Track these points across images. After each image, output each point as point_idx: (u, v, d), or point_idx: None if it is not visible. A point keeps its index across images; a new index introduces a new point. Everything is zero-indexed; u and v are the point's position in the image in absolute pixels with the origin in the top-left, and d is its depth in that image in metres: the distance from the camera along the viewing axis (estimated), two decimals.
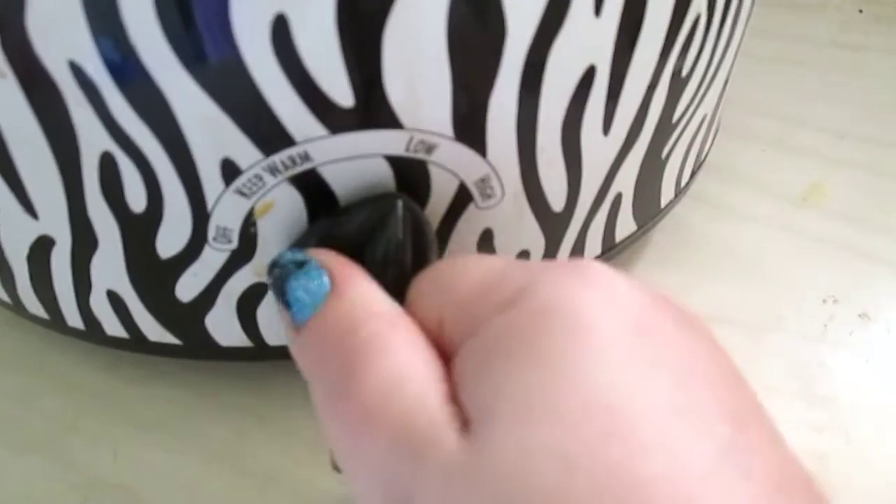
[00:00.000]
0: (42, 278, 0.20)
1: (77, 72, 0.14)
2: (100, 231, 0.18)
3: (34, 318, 0.22)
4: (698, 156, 0.25)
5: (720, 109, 0.25)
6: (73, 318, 0.21)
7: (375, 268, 0.17)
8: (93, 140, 0.16)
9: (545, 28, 0.16)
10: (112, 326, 0.21)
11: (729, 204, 0.29)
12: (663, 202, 0.24)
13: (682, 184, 0.25)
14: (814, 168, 0.31)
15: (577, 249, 0.22)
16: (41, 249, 0.19)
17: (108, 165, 0.16)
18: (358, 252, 0.17)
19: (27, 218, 0.18)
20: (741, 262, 0.27)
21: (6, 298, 0.22)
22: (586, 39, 0.17)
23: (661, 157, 0.22)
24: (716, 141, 0.27)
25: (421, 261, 0.18)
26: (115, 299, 0.20)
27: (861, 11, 0.38)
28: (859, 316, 0.25)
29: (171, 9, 0.13)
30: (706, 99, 0.22)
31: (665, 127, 0.21)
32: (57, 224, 0.18)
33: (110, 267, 0.19)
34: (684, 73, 0.20)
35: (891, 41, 0.37)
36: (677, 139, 0.22)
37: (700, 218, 0.28)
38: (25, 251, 0.19)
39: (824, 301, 0.26)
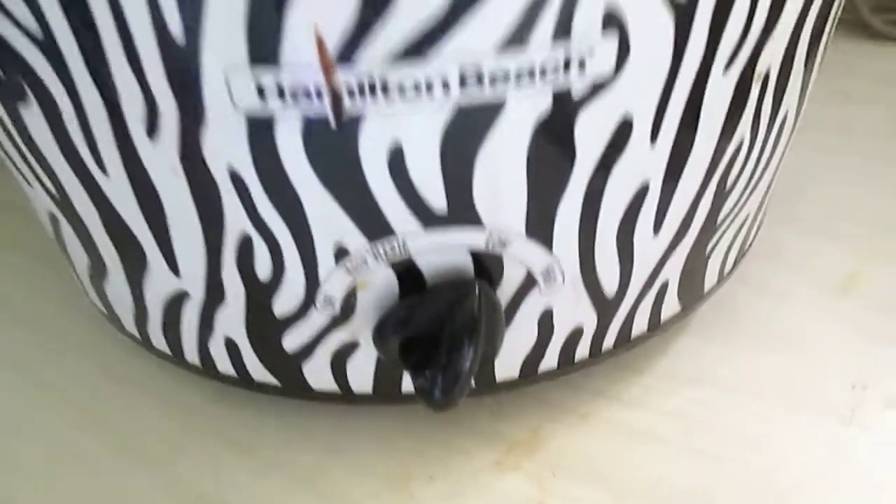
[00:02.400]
0: (172, 323, 0.24)
1: (234, 175, 0.18)
2: (229, 292, 0.22)
3: (158, 353, 0.27)
4: (742, 247, 0.28)
5: (765, 207, 0.28)
6: (192, 357, 0.25)
7: (454, 338, 0.20)
8: (236, 224, 0.20)
9: (608, 156, 0.19)
10: (224, 366, 0.25)
11: (770, 285, 0.32)
12: (707, 287, 0.27)
13: (726, 272, 0.28)
14: (853, 257, 0.33)
15: (626, 327, 0.25)
16: (177, 301, 0.23)
17: (245, 244, 0.20)
18: (439, 324, 0.21)
19: (171, 275, 0.22)
20: (778, 342, 0.30)
21: (136, 334, 0.27)
22: (642, 164, 0.20)
23: (705, 253, 0.25)
24: (762, 226, 0.29)
25: (492, 333, 0.21)
26: (230, 345, 0.24)
27: None
28: (885, 405, 0.27)
29: (315, 140, 0.17)
30: (749, 202, 0.25)
31: (709, 228, 0.24)
32: (194, 283, 0.22)
33: (232, 320, 0.23)
34: (728, 186, 0.23)
35: None
36: (721, 236, 0.25)
37: (742, 296, 0.31)
38: (163, 301, 0.24)
39: (853, 387, 0.28)
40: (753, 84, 0.20)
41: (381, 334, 0.22)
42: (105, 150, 0.19)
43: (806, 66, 0.22)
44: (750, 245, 0.29)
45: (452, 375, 0.20)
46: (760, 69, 0.20)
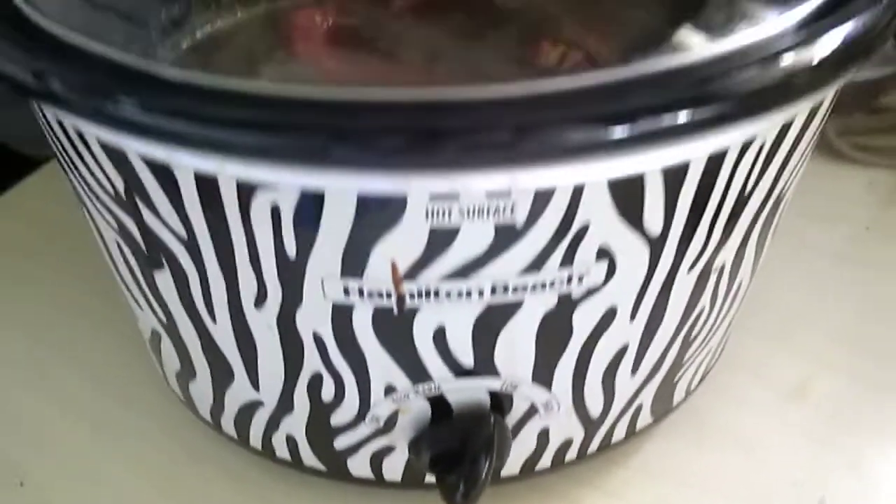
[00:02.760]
0: (244, 420, 0.30)
1: (316, 336, 0.25)
2: (297, 407, 0.28)
3: (226, 436, 0.33)
4: (706, 370, 0.34)
5: (725, 339, 0.34)
6: (256, 443, 0.32)
7: (474, 454, 0.26)
8: (311, 365, 0.26)
9: (597, 331, 0.25)
10: (282, 453, 0.31)
11: (731, 390, 0.38)
12: (675, 402, 0.34)
13: (692, 389, 0.34)
14: (804, 365, 0.39)
15: (607, 436, 0.32)
16: (252, 406, 0.29)
17: (315, 378, 0.26)
18: (462, 443, 0.27)
19: (252, 390, 0.28)
20: (734, 443, 0.36)
21: (208, 420, 0.33)
22: (623, 334, 0.26)
23: (673, 381, 0.31)
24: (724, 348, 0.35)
25: (502, 450, 0.28)
26: (290, 439, 0.30)
27: (868, 228, 0.47)
28: (818, 501, 0.33)
29: (380, 320, 0.23)
30: (711, 342, 0.32)
31: (677, 365, 0.30)
32: (270, 398, 0.28)
33: (295, 424, 0.29)
34: (692, 338, 0.29)
35: (891, 258, 0.45)
36: (686, 369, 0.31)
37: (707, 401, 0.37)
38: (240, 404, 0.30)
39: (793, 484, 0.34)
40: (712, 275, 0.27)
41: (415, 448, 0.28)
42: (218, 309, 0.25)
43: (757, 251, 0.29)
44: (713, 365, 0.35)
45: (472, 482, 0.26)
46: (717, 265, 0.26)
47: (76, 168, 0.24)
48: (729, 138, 0.21)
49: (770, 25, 0.21)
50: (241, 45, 0.35)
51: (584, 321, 0.25)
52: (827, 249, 0.46)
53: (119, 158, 0.22)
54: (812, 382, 0.39)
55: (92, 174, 0.24)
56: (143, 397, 0.36)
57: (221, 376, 0.29)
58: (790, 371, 0.39)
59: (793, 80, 0.20)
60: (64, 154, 0.25)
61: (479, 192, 0.20)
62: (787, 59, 0.20)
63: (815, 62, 0.20)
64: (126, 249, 0.26)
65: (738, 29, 0.28)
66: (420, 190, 0.19)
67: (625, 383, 0.29)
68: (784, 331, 0.41)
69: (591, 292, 0.24)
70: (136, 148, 0.21)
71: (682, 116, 0.18)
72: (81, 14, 0.28)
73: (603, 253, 0.23)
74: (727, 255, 0.26)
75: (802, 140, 0.25)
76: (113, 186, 0.23)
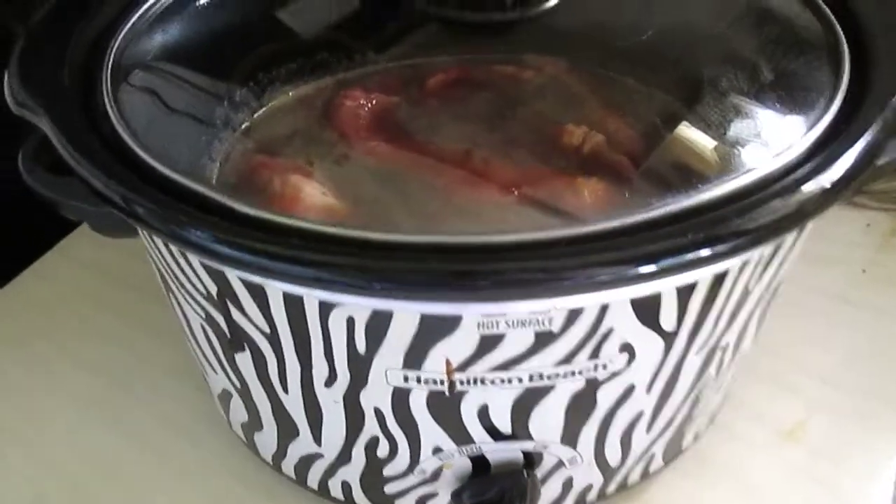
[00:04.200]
0: (303, 467, 0.35)
1: (377, 410, 0.29)
2: (354, 460, 0.32)
3: (287, 477, 0.37)
4: (711, 418, 0.38)
5: (728, 391, 0.38)
6: (313, 485, 0.36)
7: (510, 501, 0.31)
8: (370, 431, 0.30)
9: (618, 403, 0.29)
10: (337, 494, 0.35)
11: (733, 429, 0.42)
12: (684, 447, 0.38)
13: (699, 434, 0.38)
14: (800, 406, 0.43)
15: (623, 481, 0.36)
16: (313, 457, 0.34)
17: (373, 440, 0.31)
18: (500, 494, 0.31)
19: (314, 445, 0.33)
20: (740, 481, 0.40)
21: (269, 462, 0.37)
22: (639, 404, 0.30)
23: (682, 432, 0.35)
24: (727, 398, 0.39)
25: (533, 496, 0.32)
26: (345, 485, 0.34)
27: (864, 271, 0.50)
28: None
29: (433, 400, 0.28)
30: (716, 397, 0.36)
31: (687, 421, 0.34)
32: (330, 452, 0.32)
33: (350, 473, 0.33)
34: (699, 398, 0.33)
35: (886, 301, 0.49)
36: (694, 421, 0.35)
37: (713, 441, 0.41)
38: (301, 454, 0.34)
39: None
40: (717, 352, 0.30)
41: (457, 497, 0.32)
42: (291, 385, 0.29)
43: (758, 326, 0.32)
44: (718, 412, 0.39)
45: None
46: (722, 344, 0.30)
47: (168, 266, 0.28)
48: (734, 261, 0.25)
49: (774, 156, 0.25)
50: (294, 126, 0.38)
51: (606, 397, 0.29)
52: (824, 292, 0.49)
53: (215, 272, 0.26)
54: (808, 422, 0.42)
55: (185, 276, 0.28)
56: (209, 439, 0.40)
57: (287, 433, 0.33)
58: (788, 412, 0.43)
59: (803, 208, 0.24)
60: (155, 250, 0.29)
61: (523, 312, 0.24)
62: (799, 192, 0.23)
63: (826, 187, 0.24)
64: (210, 332, 0.30)
65: (741, 136, 0.31)
66: (473, 312, 0.23)
67: (640, 439, 0.33)
68: (782, 372, 0.45)
69: (613, 376, 0.28)
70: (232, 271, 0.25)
71: (701, 254, 0.22)
72: (161, 119, 0.32)
73: (625, 347, 0.27)
74: (731, 337, 0.30)
75: (799, 241, 0.29)
76: (206, 288, 0.27)
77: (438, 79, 0.40)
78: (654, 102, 0.38)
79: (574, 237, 0.22)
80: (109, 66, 0.30)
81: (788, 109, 0.31)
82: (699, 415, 0.35)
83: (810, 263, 0.50)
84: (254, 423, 0.34)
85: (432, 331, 0.25)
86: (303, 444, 0.33)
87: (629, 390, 0.29)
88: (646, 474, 0.36)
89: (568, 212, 0.33)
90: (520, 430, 0.29)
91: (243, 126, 0.38)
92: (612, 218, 0.23)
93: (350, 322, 0.25)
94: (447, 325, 0.24)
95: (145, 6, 0.34)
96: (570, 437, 0.30)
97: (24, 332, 0.47)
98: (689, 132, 0.35)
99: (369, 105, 0.39)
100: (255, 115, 0.39)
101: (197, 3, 0.37)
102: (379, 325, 0.25)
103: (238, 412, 0.35)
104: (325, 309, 0.25)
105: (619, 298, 0.24)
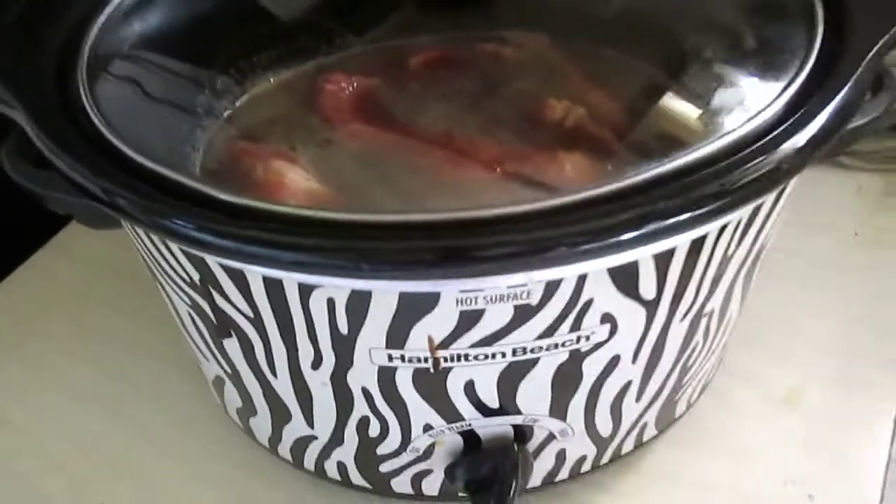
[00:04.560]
0: (298, 449, 0.35)
1: (364, 390, 0.29)
2: (346, 441, 0.33)
3: (283, 459, 0.37)
4: (704, 385, 0.38)
5: (722, 357, 0.38)
6: (310, 466, 0.36)
7: (502, 478, 0.31)
8: (360, 411, 0.30)
9: (603, 374, 0.30)
10: (333, 474, 0.36)
11: (727, 397, 0.42)
12: (677, 415, 0.38)
13: (693, 402, 0.38)
14: (794, 372, 0.43)
15: (617, 450, 0.36)
16: (307, 439, 0.34)
17: (363, 419, 0.31)
18: (492, 468, 0.31)
19: (307, 427, 0.33)
20: (735, 448, 0.40)
21: (266, 445, 0.37)
22: (626, 373, 0.30)
23: (675, 400, 0.36)
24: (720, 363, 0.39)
25: (525, 473, 0.32)
26: (340, 465, 0.35)
27: (856, 234, 0.50)
28: (808, 498, 0.38)
29: (419, 377, 0.28)
30: (708, 364, 0.36)
31: (677, 388, 0.34)
32: (323, 434, 0.33)
33: (345, 454, 0.34)
34: (689, 365, 0.33)
35: (879, 262, 0.48)
36: (686, 388, 0.36)
37: (707, 408, 0.41)
38: (296, 437, 0.34)
39: (784, 483, 0.38)
40: (702, 319, 0.31)
41: (451, 473, 0.32)
42: (279, 369, 0.30)
43: (743, 292, 0.32)
44: (712, 378, 0.40)
45: (501, 500, 0.31)
46: (707, 310, 0.30)
47: (152, 255, 0.29)
48: (712, 225, 0.25)
49: (748, 120, 0.25)
50: (277, 112, 0.39)
51: (592, 368, 0.29)
52: (816, 257, 0.49)
53: (196, 259, 0.26)
54: (803, 388, 0.43)
55: (169, 264, 0.28)
56: (207, 426, 0.41)
57: (280, 416, 0.33)
58: (782, 378, 0.43)
59: (777, 170, 0.24)
60: (139, 240, 0.29)
61: (501, 286, 0.24)
62: (777, 152, 0.23)
63: (799, 147, 0.24)
64: (197, 319, 0.30)
65: (718, 103, 0.31)
66: (451, 289, 0.24)
67: (630, 409, 0.33)
68: (776, 339, 0.45)
69: (597, 347, 0.28)
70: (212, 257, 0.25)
71: (679, 219, 0.22)
72: (140, 109, 0.33)
73: (606, 317, 0.27)
74: (715, 303, 0.30)
75: (779, 203, 0.29)
76: (189, 276, 0.27)
77: (419, 59, 0.40)
78: (634, 73, 0.38)
79: (547, 210, 0.23)
80: (86, 58, 0.30)
81: (767, 73, 0.31)
82: (690, 382, 0.35)
83: (800, 229, 0.50)
84: (248, 409, 0.35)
85: (412, 309, 0.25)
86: (296, 427, 0.33)
87: (614, 360, 0.29)
88: (640, 443, 0.37)
89: (551, 186, 0.33)
90: (508, 404, 0.30)
91: (226, 113, 0.38)
92: (585, 189, 0.23)
93: (330, 303, 0.25)
94: (426, 303, 0.24)
95: None
96: (558, 409, 0.31)
97: (21, 329, 0.47)
98: (670, 102, 0.35)
99: (350, 88, 0.39)
100: (238, 103, 0.39)
101: None
102: (359, 306, 0.25)
103: (232, 398, 0.35)
104: (305, 291, 0.25)
105: (596, 268, 0.24)
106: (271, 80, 0.40)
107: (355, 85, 0.39)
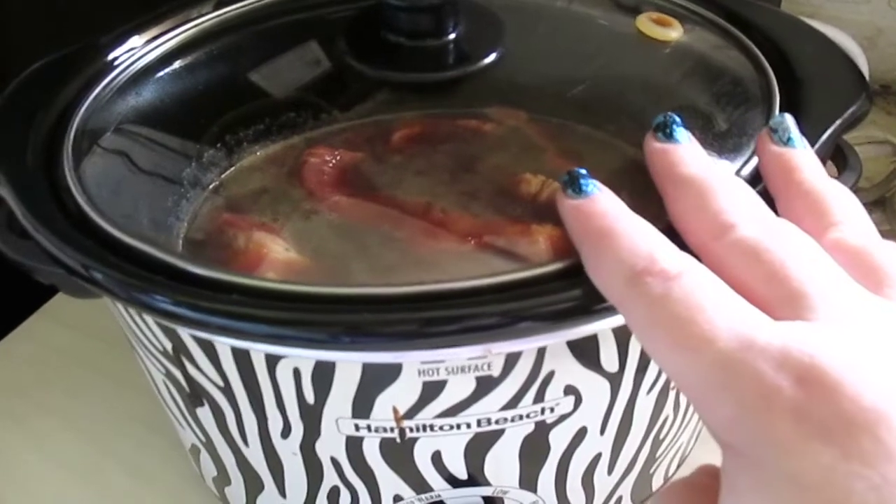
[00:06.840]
0: None
1: (333, 460, 0.29)
2: None
3: None
4: (682, 458, 0.38)
5: (700, 429, 0.38)
6: None
7: None
8: (330, 481, 0.30)
9: (571, 446, 0.30)
10: None
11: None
12: (654, 488, 0.38)
13: (671, 475, 0.38)
14: None
15: None
16: None
17: (334, 489, 0.31)
18: None
19: (280, 498, 0.33)
20: None
21: None
22: (595, 445, 0.30)
23: (649, 473, 0.36)
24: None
25: None
26: None
27: None
28: None
29: (386, 447, 0.28)
30: (682, 436, 0.36)
31: (650, 461, 0.34)
32: (295, 502, 0.33)
33: None
34: (661, 438, 0.34)
35: None
36: (661, 462, 0.36)
37: None
38: None
39: None
40: (671, 392, 0.31)
41: None
42: (250, 437, 0.30)
43: None
44: (690, 451, 0.39)
45: None
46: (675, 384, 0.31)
47: (128, 324, 0.29)
48: None
49: None
50: (262, 184, 0.40)
51: (559, 440, 0.29)
52: None
53: (167, 329, 0.27)
54: None
55: (143, 333, 0.29)
56: (188, 496, 0.41)
57: (253, 486, 0.33)
58: None
59: None
60: (116, 309, 0.30)
61: (461, 357, 0.24)
62: None
63: None
64: (171, 387, 0.31)
65: None
66: (412, 359, 0.24)
67: (603, 481, 0.33)
68: None
69: (562, 418, 0.28)
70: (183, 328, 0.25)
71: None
72: (126, 181, 0.34)
73: (569, 389, 0.27)
74: None
75: None
76: (162, 346, 0.28)
77: (401, 134, 0.42)
78: (608, 149, 0.39)
79: (510, 284, 0.23)
80: (73, 133, 0.32)
81: (725, 154, 0.32)
82: (666, 455, 0.36)
83: None
84: (223, 478, 0.35)
85: (375, 379, 0.25)
86: (270, 497, 0.33)
87: (581, 432, 0.29)
88: None
89: (525, 257, 0.33)
90: (476, 475, 0.30)
91: (212, 185, 0.39)
92: (542, 265, 0.24)
93: (297, 373, 0.26)
94: (389, 373, 0.25)
95: (111, 75, 0.36)
96: (528, 481, 0.31)
97: (9, 393, 0.48)
98: (639, 178, 0.36)
99: (334, 161, 0.40)
100: (224, 175, 0.40)
101: (161, 72, 0.38)
102: (324, 376, 0.25)
103: (208, 467, 0.36)
104: (272, 361, 0.25)
105: (555, 342, 0.25)
106: (258, 152, 0.41)
107: (339, 158, 0.40)
